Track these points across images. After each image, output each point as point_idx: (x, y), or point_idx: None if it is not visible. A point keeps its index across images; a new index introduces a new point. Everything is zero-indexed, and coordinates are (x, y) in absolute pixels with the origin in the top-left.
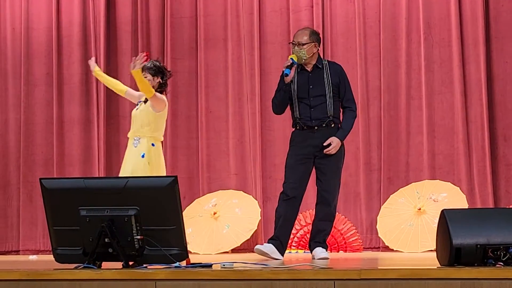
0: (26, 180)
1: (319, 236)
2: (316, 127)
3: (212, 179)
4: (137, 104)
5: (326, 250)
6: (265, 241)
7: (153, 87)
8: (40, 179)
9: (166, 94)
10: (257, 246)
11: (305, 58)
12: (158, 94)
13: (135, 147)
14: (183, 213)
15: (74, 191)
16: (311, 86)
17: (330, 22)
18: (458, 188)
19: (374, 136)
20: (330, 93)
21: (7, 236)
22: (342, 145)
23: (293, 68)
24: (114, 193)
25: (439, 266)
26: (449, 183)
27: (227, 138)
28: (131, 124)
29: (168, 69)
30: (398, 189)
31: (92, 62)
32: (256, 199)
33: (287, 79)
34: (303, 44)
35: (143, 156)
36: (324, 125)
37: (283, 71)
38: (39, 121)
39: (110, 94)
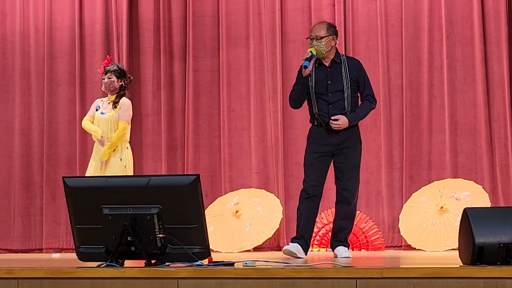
0: (49, 179)
1: (340, 235)
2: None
3: (234, 177)
4: (97, 109)
5: (348, 249)
6: (288, 239)
7: (116, 88)
8: (63, 177)
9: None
10: (286, 247)
11: (324, 51)
12: (123, 111)
13: (114, 151)
14: (205, 211)
15: (97, 190)
16: (329, 82)
17: (352, 20)
18: (481, 186)
19: (396, 134)
20: (349, 89)
21: (31, 235)
22: (359, 142)
23: (312, 61)
24: (137, 192)
25: (462, 265)
26: (472, 181)
27: (249, 137)
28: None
29: (129, 75)
30: (420, 188)
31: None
32: (278, 198)
33: (306, 72)
34: (322, 37)
35: (121, 160)
36: None
37: (302, 64)
38: (62, 120)
39: (132, 93)
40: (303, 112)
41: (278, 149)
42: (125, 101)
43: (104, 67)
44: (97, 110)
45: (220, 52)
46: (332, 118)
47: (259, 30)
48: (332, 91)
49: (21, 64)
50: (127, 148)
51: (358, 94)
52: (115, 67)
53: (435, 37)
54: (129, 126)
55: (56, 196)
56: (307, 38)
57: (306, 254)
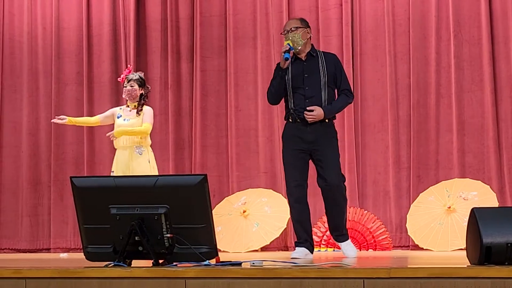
0: (57, 179)
1: (336, 231)
2: (310, 122)
3: (241, 177)
4: (119, 117)
5: (348, 240)
6: (294, 239)
7: (137, 96)
8: (71, 177)
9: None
10: (292, 255)
11: (300, 42)
12: (148, 115)
13: (141, 155)
14: (213, 211)
15: (105, 190)
16: (306, 75)
17: (359, 20)
18: (488, 186)
19: (403, 134)
20: (326, 83)
21: (38, 234)
22: (335, 137)
23: (291, 53)
24: (144, 192)
25: (469, 265)
26: (479, 181)
27: (257, 137)
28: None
29: (148, 85)
30: (428, 187)
31: (59, 119)
32: (285, 198)
33: (285, 64)
34: (297, 28)
35: (149, 162)
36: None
37: (282, 56)
38: None
39: None
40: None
41: None
42: (148, 108)
43: (126, 76)
44: (118, 117)
45: (228, 52)
46: (307, 108)
47: (267, 30)
48: (308, 84)
49: (29, 64)
50: (151, 151)
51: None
52: (137, 76)
53: (442, 37)
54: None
55: (64, 196)
56: (281, 34)
57: (312, 253)
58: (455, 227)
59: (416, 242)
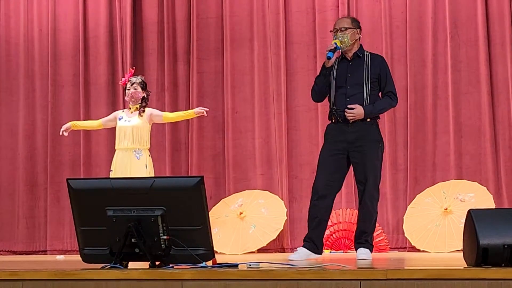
0: (53, 181)
1: (360, 237)
2: (351, 121)
3: (238, 179)
4: (120, 119)
5: (371, 251)
6: (292, 240)
7: (139, 99)
8: (67, 179)
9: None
10: (290, 257)
11: (348, 42)
12: (153, 111)
13: (138, 159)
14: (209, 213)
15: (101, 192)
16: (349, 75)
17: None
18: (485, 188)
19: (400, 136)
20: (368, 84)
21: (35, 236)
22: (378, 140)
23: (336, 53)
24: (141, 194)
25: (466, 266)
26: (476, 183)
27: (253, 138)
28: (120, 136)
29: (149, 89)
30: (425, 189)
31: (64, 130)
32: (282, 199)
33: (329, 63)
34: (346, 29)
35: (146, 167)
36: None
37: (326, 54)
38: (66, 122)
39: None
40: (307, 114)
41: (282, 150)
42: (150, 108)
43: (129, 79)
44: (120, 119)
45: (224, 53)
46: (348, 106)
47: (263, 32)
48: (351, 84)
49: (25, 66)
50: (149, 155)
51: (380, 94)
52: (140, 79)
53: (439, 38)
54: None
55: (60, 198)
56: (330, 31)
57: (316, 254)
58: (452, 228)
59: (413, 244)
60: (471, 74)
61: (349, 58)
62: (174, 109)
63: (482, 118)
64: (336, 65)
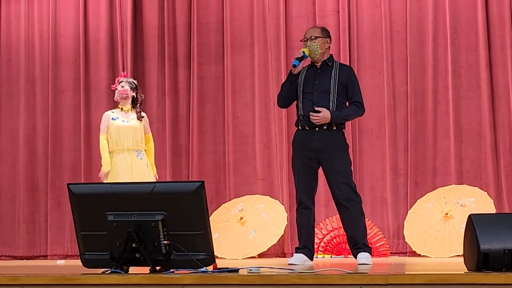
0: (54, 186)
1: (353, 242)
2: (317, 128)
3: (238, 184)
4: (114, 119)
5: (370, 253)
6: (292, 245)
7: (127, 97)
8: (68, 184)
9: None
10: (289, 261)
11: (318, 51)
12: (148, 124)
13: (141, 159)
14: (210, 218)
15: (102, 196)
16: (317, 82)
17: (357, 26)
18: (486, 193)
19: (401, 140)
20: (335, 91)
21: (35, 241)
22: (344, 147)
23: (303, 62)
24: (141, 198)
25: (467, 271)
26: (477, 188)
27: (254, 143)
28: (119, 136)
29: (141, 93)
30: (425, 194)
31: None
32: (282, 204)
33: (296, 70)
34: (316, 37)
35: (147, 166)
36: (325, 126)
37: (292, 62)
38: (67, 127)
39: None
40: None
41: (283, 155)
42: (146, 117)
43: (119, 80)
44: (114, 119)
45: (225, 58)
46: (315, 108)
47: (264, 37)
48: (318, 91)
49: (26, 71)
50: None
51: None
52: (129, 80)
53: (439, 43)
54: None
55: (61, 202)
56: (301, 40)
57: (312, 260)
58: (452, 233)
59: (413, 249)
60: (471, 78)
61: (318, 66)
62: (174, 113)
63: (483, 122)
64: (304, 72)
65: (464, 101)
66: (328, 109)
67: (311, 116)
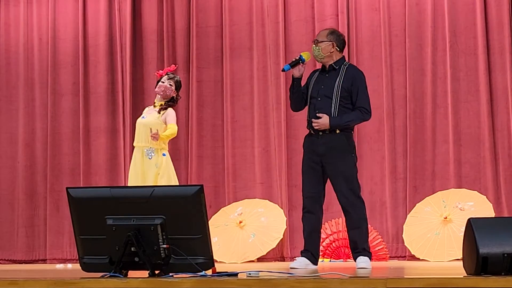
0: (53, 189)
1: (354, 246)
2: (320, 132)
3: (237, 188)
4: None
5: (370, 258)
6: (291, 249)
7: (168, 96)
8: (67, 188)
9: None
10: (291, 264)
11: (321, 56)
12: (172, 117)
13: (150, 158)
14: (209, 222)
15: (101, 200)
16: (322, 86)
17: (356, 30)
18: (485, 196)
19: (399, 144)
20: (337, 97)
21: (34, 245)
22: (349, 151)
23: (300, 65)
24: (140, 202)
25: (466, 275)
26: (476, 191)
27: (253, 147)
28: (137, 132)
29: (180, 95)
30: (424, 198)
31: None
32: (281, 208)
33: (296, 74)
34: (319, 42)
35: (156, 166)
36: (327, 131)
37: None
38: (66, 131)
39: (136, 103)
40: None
41: (282, 159)
42: (171, 110)
43: (168, 73)
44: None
45: (224, 62)
46: (316, 115)
47: (263, 41)
48: (321, 96)
49: (25, 75)
50: (164, 155)
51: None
52: (178, 79)
53: (438, 47)
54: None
55: (60, 206)
56: (312, 42)
57: (315, 265)
58: (451, 237)
59: (412, 253)
60: (470, 82)
61: (326, 70)
62: None
63: (482, 126)
64: (316, 76)
65: (463, 105)
66: (330, 114)
67: (312, 123)
